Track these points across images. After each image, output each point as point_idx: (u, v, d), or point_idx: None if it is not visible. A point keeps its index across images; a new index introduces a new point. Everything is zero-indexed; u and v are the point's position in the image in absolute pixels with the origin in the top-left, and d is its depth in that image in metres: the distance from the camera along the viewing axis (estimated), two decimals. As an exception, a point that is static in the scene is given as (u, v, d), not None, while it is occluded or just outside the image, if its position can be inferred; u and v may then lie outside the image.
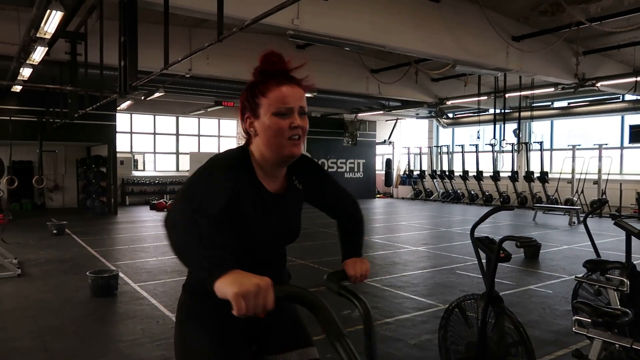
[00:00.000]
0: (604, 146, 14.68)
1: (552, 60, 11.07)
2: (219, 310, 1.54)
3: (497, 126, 15.09)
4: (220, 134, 20.38)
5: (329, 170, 19.92)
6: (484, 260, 3.04)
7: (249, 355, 1.62)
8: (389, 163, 22.04)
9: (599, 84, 12.21)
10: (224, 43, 5.27)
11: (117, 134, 15.21)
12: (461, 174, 18.50)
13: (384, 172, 22.27)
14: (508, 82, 13.42)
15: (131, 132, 18.62)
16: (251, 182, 1.53)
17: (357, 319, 4.58)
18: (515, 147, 16.63)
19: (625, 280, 3.31)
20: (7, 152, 13.00)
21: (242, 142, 1.62)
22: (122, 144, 17.25)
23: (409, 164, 21.88)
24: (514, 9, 9.64)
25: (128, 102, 15.16)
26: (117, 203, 15.04)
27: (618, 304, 3.24)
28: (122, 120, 17.27)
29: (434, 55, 9.49)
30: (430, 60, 11.26)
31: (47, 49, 7.47)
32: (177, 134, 19.62)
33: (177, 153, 19.59)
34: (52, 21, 6.19)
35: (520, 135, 16.60)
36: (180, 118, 19.38)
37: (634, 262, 3.63)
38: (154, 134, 19.16)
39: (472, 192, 18.46)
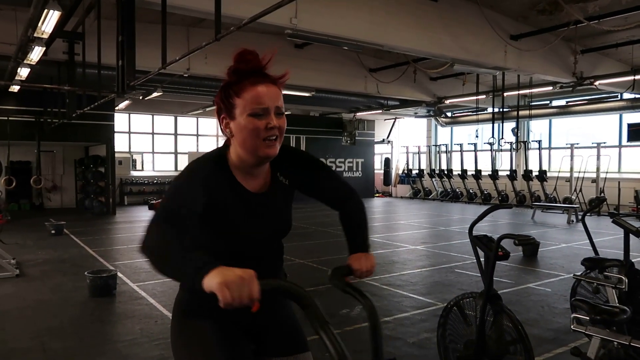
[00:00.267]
0: (602, 145, 14.71)
1: (550, 59, 11.08)
2: (217, 309, 1.54)
3: (496, 125, 15.10)
4: (219, 133, 20.35)
5: (328, 169, 19.86)
6: (482, 259, 3.04)
7: (249, 352, 1.61)
8: (387, 162, 22.04)
9: (597, 83, 12.23)
10: (222, 42, 5.26)
11: (116, 134, 15.19)
12: (460, 172, 18.51)
13: (382, 171, 22.28)
14: (506, 81, 13.43)
15: (129, 132, 18.60)
16: (229, 184, 1.51)
17: (356, 317, 4.61)
18: (514, 146, 16.64)
19: (623, 278, 3.31)
20: (5, 153, 12.98)
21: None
22: (120, 144, 17.24)
23: (407, 163, 21.89)
24: (512, 8, 9.65)
25: (126, 102, 15.14)
26: (116, 203, 15.04)
27: (616, 301, 3.24)
28: (120, 120, 17.25)
29: (432, 54, 9.49)
30: (429, 59, 11.26)
31: (44, 48, 7.46)
32: (176, 134, 19.60)
33: (176, 153, 19.57)
34: (50, 21, 6.18)
35: (519, 134, 16.60)
36: (178, 118, 19.36)
37: (632, 260, 3.63)
38: (152, 133, 19.14)
39: (471, 191, 18.48)
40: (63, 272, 6.67)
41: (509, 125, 16.38)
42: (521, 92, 14.24)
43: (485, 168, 17.60)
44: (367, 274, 1.66)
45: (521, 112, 15.62)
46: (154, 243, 1.32)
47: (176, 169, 19.34)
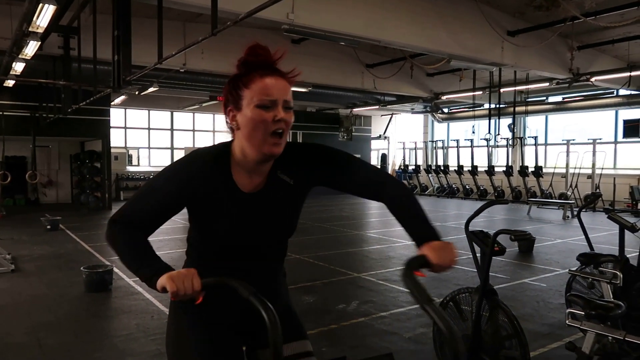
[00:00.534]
0: (598, 141, 14.75)
1: (547, 55, 11.09)
2: (211, 304, 1.54)
3: (492, 121, 15.13)
4: (215, 129, 20.31)
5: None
6: (478, 254, 3.05)
7: (239, 349, 1.62)
8: (384, 158, 22.07)
9: (593, 79, 12.24)
10: (219, 37, 5.24)
11: (111, 129, 15.11)
12: (456, 168, 18.55)
13: (379, 167, 22.28)
14: (503, 77, 13.44)
15: (125, 127, 18.52)
16: (223, 180, 1.47)
17: (352, 312, 4.61)
18: (510, 142, 16.68)
19: (618, 273, 3.33)
20: (0, 148, 12.91)
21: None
22: (116, 139, 17.16)
23: (404, 159, 21.92)
24: (509, 3, 9.64)
25: (122, 97, 15.07)
26: (112, 198, 15.00)
27: (611, 296, 3.26)
28: (116, 115, 17.16)
29: (429, 50, 9.48)
30: (426, 55, 11.25)
31: (39, 43, 7.40)
32: (172, 129, 19.54)
33: (172, 148, 19.51)
34: (45, 15, 6.12)
35: (515, 130, 16.65)
36: (174, 113, 19.29)
37: (627, 256, 3.65)
38: (149, 129, 19.07)
39: (467, 187, 18.52)
40: (59, 268, 6.66)
41: (506, 121, 16.42)
42: (518, 88, 14.26)
43: (482, 164, 17.63)
44: (446, 269, 1.45)
45: (517, 108, 15.66)
46: (112, 239, 1.44)
47: (172, 165, 19.28)
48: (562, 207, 13.01)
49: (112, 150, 15.26)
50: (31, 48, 7.61)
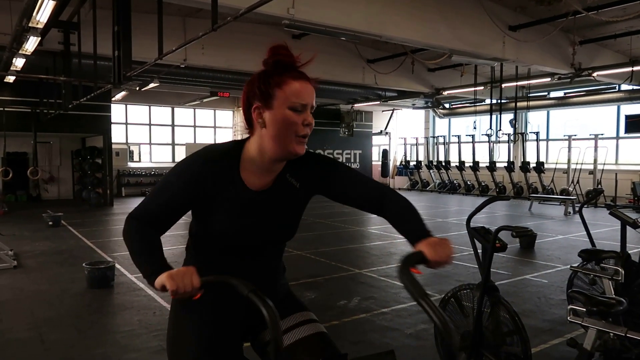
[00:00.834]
0: (599, 136, 14.72)
1: (548, 50, 11.04)
2: (213, 300, 1.55)
3: (494, 116, 15.07)
4: (216, 124, 20.30)
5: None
6: (479, 250, 3.05)
7: (239, 347, 1.63)
8: (385, 154, 22.04)
9: (595, 74, 12.20)
10: (219, 33, 5.22)
11: (112, 125, 15.11)
12: (457, 164, 18.53)
13: (380, 162, 22.28)
14: (504, 72, 13.38)
15: (126, 123, 18.53)
16: (231, 178, 1.49)
17: (354, 308, 4.62)
18: (512, 138, 16.64)
19: (620, 269, 3.32)
20: (1, 144, 12.92)
21: (239, 135, 1.58)
22: (117, 135, 17.17)
23: (405, 155, 21.89)
24: (510, -2, 9.60)
25: (123, 93, 15.06)
26: (113, 194, 15.01)
27: (613, 293, 3.26)
28: (117, 111, 17.16)
29: (430, 45, 9.44)
30: (427, 50, 11.21)
31: (39, 38, 7.39)
32: (173, 125, 19.53)
33: (173, 144, 19.52)
34: (44, 10, 6.11)
35: (517, 126, 16.60)
36: (175, 109, 19.28)
37: (629, 252, 3.64)
38: (150, 124, 19.07)
39: (469, 183, 18.51)
40: (61, 264, 6.67)
41: (507, 117, 16.36)
42: (519, 83, 14.21)
43: (483, 160, 17.61)
44: (443, 265, 1.46)
45: (519, 104, 15.61)
46: (126, 235, 1.46)
47: (173, 160, 19.30)
48: (564, 203, 12.99)
49: (113, 146, 15.25)
50: (31, 44, 7.60)
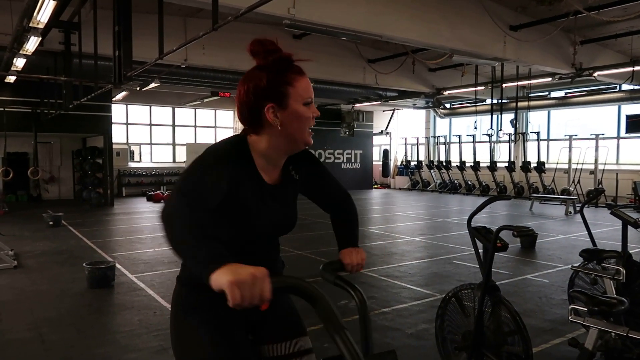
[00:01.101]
0: (600, 136, 14.70)
1: (549, 50, 11.04)
2: (215, 301, 1.53)
3: (494, 116, 15.06)
4: (217, 124, 20.29)
5: (326, 161, 19.91)
6: (480, 250, 3.04)
7: (248, 345, 1.60)
8: (386, 154, 22.03)
9: (596, 74, 12.19)
10: (220, 33, 5.22)
11: (113, 125, 15.11)
12: (458, 164, 18.52)
13: (381, 162, 22.27)
14: (505, 72, 13.38)
15: (127, 123, 18.53)
16: (250, 173, 1.50)
17: (354, 309, 4.61)
18: (512, 138, 16.63)
19: (621, 269, 3.32)
20: (2, 144, 12.93)
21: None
22: (118, 135, 17.17)
23: (406, 155, 21.88)
24: (511, -2, 9.59)
25: (123, 93, 15.06)
26: (114, 194, 15.01)
27: (614, 292, 3.25)
28: (117, 111, 17.17)
29: (431, 45, 9.44)
30: (428, 50, 11.21)
31: (40, 39, 7.38)
32: (174, 125, 19.53)
33: (174, 144, 19.51)
34: (45, 10, 6.10)
35: (517, 126, 16.59)
36: (176, 109, 19.28)
37: (630, 252, 3.63)
38: (150, 124, 19.07)
39: (469, 183, 18.50)
40: (61, 264, 6.67)
41: (508, 117, 16.35)
42: (520, 83, 14.20)
43: (484, 159, 17.60)
44: (357, 268, 1.67)
45: (520, 104, 15.59)
46: (172, 217, 1.27)
47: (174, 161, 19.31)
48: (565, 203, 12.98)
49: (114, 146, 15.24)
50: (32, 44, 7.60)
